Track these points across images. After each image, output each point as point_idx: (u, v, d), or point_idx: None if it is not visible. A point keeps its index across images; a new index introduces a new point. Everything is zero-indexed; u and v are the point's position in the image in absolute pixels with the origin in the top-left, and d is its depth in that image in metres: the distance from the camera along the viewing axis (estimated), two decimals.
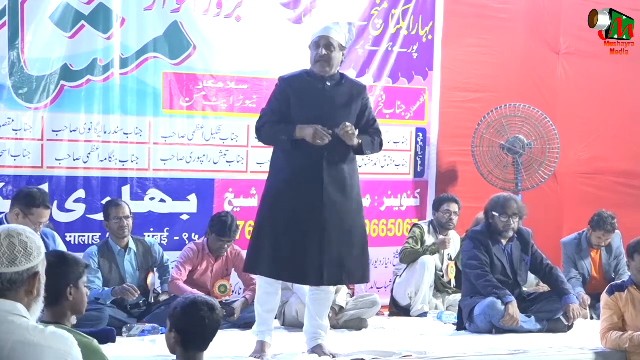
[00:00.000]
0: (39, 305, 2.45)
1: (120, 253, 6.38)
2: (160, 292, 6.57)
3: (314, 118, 5.07)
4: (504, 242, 6.45)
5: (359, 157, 7.73)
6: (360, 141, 5.10)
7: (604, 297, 5.71)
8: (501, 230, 6.39)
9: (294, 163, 5.08)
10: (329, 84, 5.17)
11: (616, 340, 5.57)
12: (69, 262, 3.19)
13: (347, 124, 5.02)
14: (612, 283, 5.95)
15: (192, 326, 3.31)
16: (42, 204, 5.64)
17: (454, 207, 7.51)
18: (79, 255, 6.10)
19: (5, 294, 2.37)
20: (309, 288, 5.38)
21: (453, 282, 7.53)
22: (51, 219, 6.56)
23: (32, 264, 2.41)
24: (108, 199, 6.68)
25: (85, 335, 3.09)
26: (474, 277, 6.30)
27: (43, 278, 2.45)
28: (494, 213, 6.41)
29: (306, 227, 5.02)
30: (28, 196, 5.69)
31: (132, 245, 6.42)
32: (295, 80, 5.20)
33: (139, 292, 6.14)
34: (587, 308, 7.09)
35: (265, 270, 5.15)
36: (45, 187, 6.59)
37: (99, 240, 6.62)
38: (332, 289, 5.46)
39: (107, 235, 6.43)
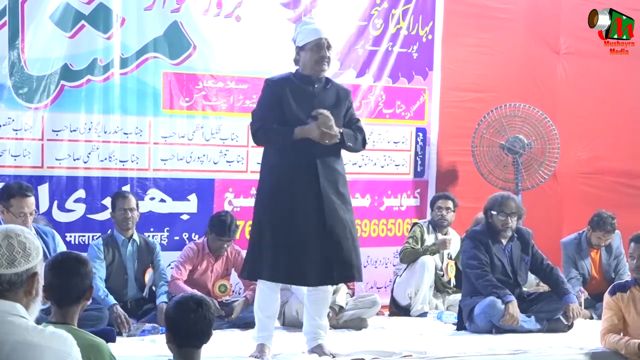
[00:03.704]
0: (38, 306, 2.45)
1: (124, 243, 6.41)
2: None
3: (305, 120, 5.06)
4: (504, 241, 6.45)
5: (358, 157, 7.74)
6: (340, 130, 5.08)
7: (606, 297, 5.71)
8: (499, 229, 6.39)
9: (288, 164, 5.06)
10: (317, 86, 5.17)
11: (613, 344, 5.57)
12: (88, 263, 3.25)
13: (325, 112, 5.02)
14: (615, 283, 5.95)
15: (179, 322, 3.32)
16: (17, 193, 5.61)
17: (446, 204, 7.50)
18: (82, 254, 6.14)
19: (5, 295, 2.37)
20: (307, 288, 5.38)
21: (453, 282, 7.53)
22: (51, 219, 6.58)
23: (31, 264, 2.41)
24: (108, 198, 6.70)
25: (93, 335, 3.11)
26: (473, 277, 6.30)
27: (41, 278, 2.45)
28: (492, 212, 6.42)
29: (307, 227, 5.01)
30: (4, 189, 5.70)
31: (136, 237, 6.46)
32: (285, 82, 5.16)
33: (132, 327, 6.06)
34: (583, 304, 7.06)
35: (267, 275, 5.12)
36: (45, 187, 6.62)
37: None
38: (331, 288, 5.46)
39: (113, 228, 6.47)
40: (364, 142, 5.32)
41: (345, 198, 5.16)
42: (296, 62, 5.21)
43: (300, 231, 5.01)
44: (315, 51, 5.12)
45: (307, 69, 5.15)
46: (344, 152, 5.28)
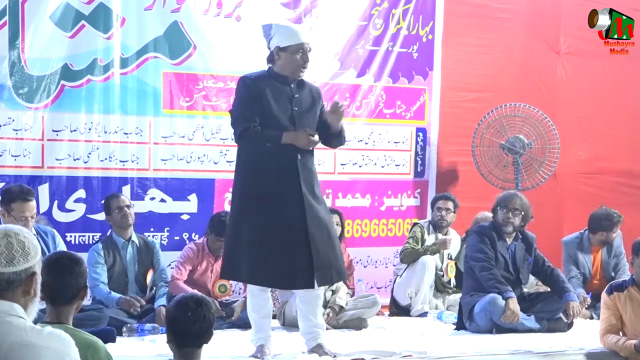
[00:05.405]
0: (36, 306, 2.44)
1: (123, 246, 6.41)
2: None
3: (284, 120, 5.07)
4: (508, 240, 6.47)
5: (359, 157, 7.75)
6: (342, 123, 5.20)
7: (603, 296, 5.71)
8: (501, 223, 6.40)
9: (269, 168, 5.03)
10: (293, 86, 5.16)
11: (612, 345, 5.58)
12: (82, 262, 3.23)
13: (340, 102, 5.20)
14: (612, 282, 5.95)
15: (180, 322, 3.31)
16: (18, 197, 5.61)
17: (446, 205, 7.49)
18: (82, 254, 6.15)
19: (3, 294, 2.36)
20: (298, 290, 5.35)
21: (453, 282, 7.53)
22: (51, 219, 6.59)
23: (30, 263, 2.41)
24: None
25: (89, 334, 3.11)
26: (478, 269, 6.30)
27: (39, 278, 2.45)
28: (498, 208, 6.46)
29: (288, 229, 5.00)
30: (5, 192, 5.71)
31: (134, 238, 6.46)
32: (263, 81, 5.13)
33: (143, 303, 6.10)
34: (586, 308, 7.07)
35: (246, 276, 5.14)
36: (45, 187, 6.62)
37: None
38: (322, 287, 5.45)
39: (111, 231, 6.46)
40: (344, 139, 5.42)
41: (320, 199, 5.17)
42: (271, 61, 5.16)
43: (282, 233, 5.00)
44: (299, 55, 5.10)
45: (287, 71, 5.12)
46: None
